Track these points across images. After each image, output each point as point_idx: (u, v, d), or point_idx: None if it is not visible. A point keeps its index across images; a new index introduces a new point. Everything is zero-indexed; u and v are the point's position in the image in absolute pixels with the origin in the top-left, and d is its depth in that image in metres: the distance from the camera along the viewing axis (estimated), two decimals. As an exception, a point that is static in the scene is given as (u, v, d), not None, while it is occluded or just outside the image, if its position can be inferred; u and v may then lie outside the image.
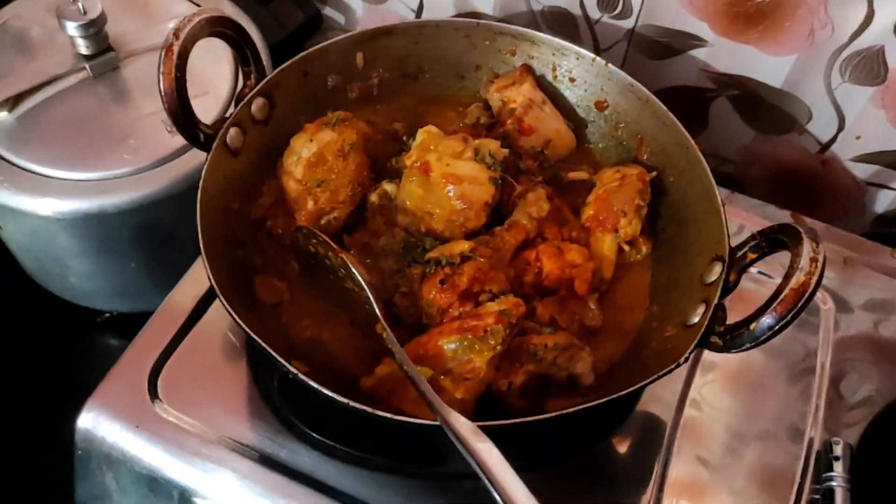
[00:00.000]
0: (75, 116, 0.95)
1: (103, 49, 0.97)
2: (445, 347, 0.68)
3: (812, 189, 1.14)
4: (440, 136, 0.81)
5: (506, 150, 0.81)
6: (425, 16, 1.15)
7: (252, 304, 0.76)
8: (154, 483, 0.79)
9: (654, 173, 0.85)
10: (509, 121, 0.86)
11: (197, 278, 0.89)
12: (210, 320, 0.86)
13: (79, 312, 1.12)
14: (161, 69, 0.70)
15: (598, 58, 0.88)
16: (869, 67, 0.95)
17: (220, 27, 0.75)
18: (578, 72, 0.91)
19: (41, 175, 0.92)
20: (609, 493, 0.80)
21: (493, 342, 0.68)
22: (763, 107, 1.07)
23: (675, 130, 0.84)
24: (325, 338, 0.77)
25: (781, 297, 0.64)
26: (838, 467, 0.83)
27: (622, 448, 0.83)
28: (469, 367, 0.67)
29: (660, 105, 0.85)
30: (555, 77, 0.92)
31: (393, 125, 0.88)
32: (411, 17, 1.16)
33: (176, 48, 0.70)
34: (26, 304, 1.14)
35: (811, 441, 0.85)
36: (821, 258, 0.65)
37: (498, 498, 0.57)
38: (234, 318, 0.66)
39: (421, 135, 0.81)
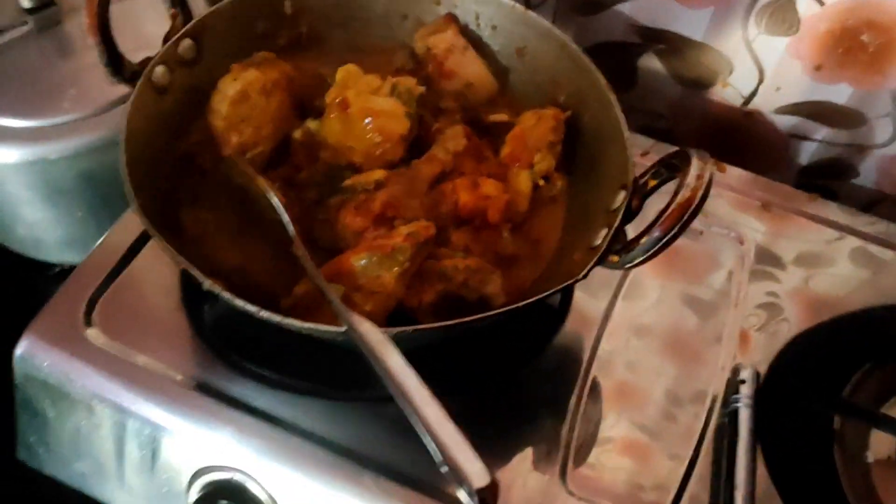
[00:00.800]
0: (17, 69, 0.99)
1: (46, 3, 1.00)
2: (356, 264, 0.72)
3: (739, 143, 1.18)
4: (359, 74, 0.85)
5: (422, 88, 0.85)
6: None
7: (177, 234, 0.80)
8: (89, 410, 0.82)
9: (569, 112, 0.89)
10: (431, 65, 0.90)
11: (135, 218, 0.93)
12: (148, 256, 0.90)
13: (30, 266, 1.15)
14: (85, 5, 0.74)
15: (517, 4, 0.92)
16: (782, 18, 1.00)
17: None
18: (499, 19, 0.94)
19: (-21, 124, 0.95)
20: (523, 424, 0.84)
21: (401, 258, 0.72)
22: (687, 60, 1.11)
23: (590, 73, 0.87)
24: (250, 267, 0.80)
25: (668, 211, 0.68)
26: (744, 389, 0.87)
27: (537, 382, 0.87)
28: (378, 283, 0.71)
29: (574, 48, 0.89)
30: (478, 25, 0.96)
31: (320, 70, 0.91)
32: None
33: (98, -15, 0.74)
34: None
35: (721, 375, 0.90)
36: (707, 175, 0.69)
37: (393, 391, 0.60)
38: (151, 232, 0.70)
39: (341, 73, 0.85)
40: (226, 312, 0.85)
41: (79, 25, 1.03)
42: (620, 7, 1.08)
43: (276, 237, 0.79)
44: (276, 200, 0.75)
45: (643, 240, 0.70)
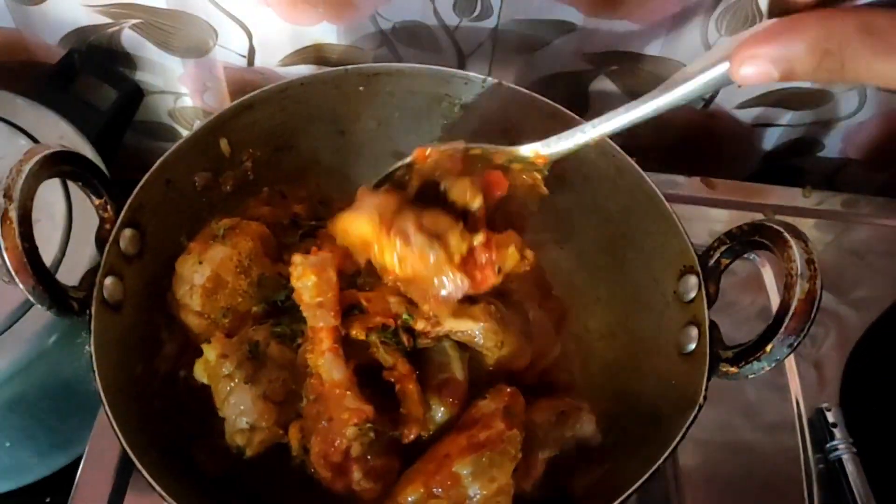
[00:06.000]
0: None
1: None
2: (461, 473, 0.57)
3: (702, 144, 1.12)
4: None
5: None
6: (258, 60, 1.00)
7: (199, 484, 0.62)
8: None
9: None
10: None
11: (98, 462, 0.73)
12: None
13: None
14: (3, 245, 0.54)
15: (488, 77, 0.79)
16: (744, 16, 0.92)
17: (60, 165, 0.58)
18: (469, 97, 0.81)
19: None
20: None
21: (513, 451, 0.58)
22: (642, 76, 1.02)
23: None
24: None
25: (791, 311, 0.59)
26: (839, 433, 0.81)
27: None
28: (495, 488, 0.57)
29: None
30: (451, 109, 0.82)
31: (293, 209, 0.75)
32: (242, 64, 1.01)
33: (14, 214, 0.54)
34: None
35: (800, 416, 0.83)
36: (816, 256, 0.60)
37: None
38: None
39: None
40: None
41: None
42: (565, 38, 0.96)
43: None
44: None
45: (769, 348, 0.60)
